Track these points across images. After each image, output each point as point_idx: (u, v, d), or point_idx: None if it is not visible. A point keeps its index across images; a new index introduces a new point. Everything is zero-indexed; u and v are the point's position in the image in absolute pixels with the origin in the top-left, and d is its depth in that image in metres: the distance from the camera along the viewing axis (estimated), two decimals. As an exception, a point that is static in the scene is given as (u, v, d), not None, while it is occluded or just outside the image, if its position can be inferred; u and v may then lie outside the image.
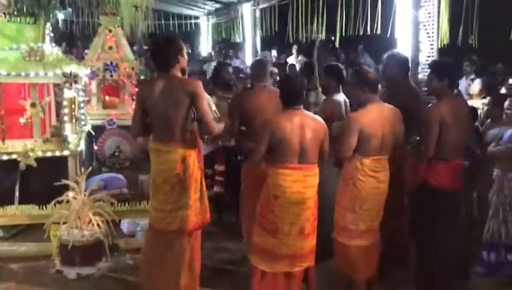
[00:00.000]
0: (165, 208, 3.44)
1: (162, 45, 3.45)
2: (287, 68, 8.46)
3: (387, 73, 4.22)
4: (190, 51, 14.39)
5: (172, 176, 3.38)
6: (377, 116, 3.60)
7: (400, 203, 4.09)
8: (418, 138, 3.77)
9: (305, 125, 3.44)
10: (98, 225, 4.09)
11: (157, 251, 3.51)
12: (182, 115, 3.33)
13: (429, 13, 4.90)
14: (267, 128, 3.49)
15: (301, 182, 3.44)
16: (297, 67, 8.50)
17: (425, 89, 4.38)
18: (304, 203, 3.45)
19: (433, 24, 4.86)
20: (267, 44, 11.45)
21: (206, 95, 3.76)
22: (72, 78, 4.65)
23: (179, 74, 3.45)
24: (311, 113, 3.62)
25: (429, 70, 3.82)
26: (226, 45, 15.25)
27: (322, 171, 3.59)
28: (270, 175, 3.52)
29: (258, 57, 5.33)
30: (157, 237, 3.51)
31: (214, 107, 3.77)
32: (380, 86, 3.86)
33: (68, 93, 4.69)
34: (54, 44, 5.26)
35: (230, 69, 5.45)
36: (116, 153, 5.97)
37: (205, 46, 14.39)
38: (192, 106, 3.36)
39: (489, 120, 4.44)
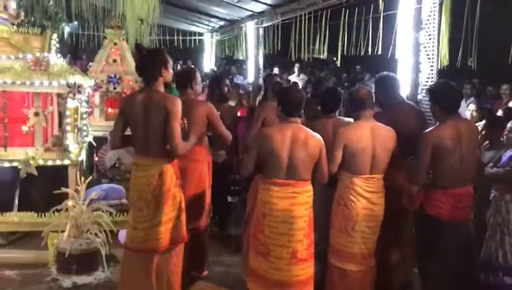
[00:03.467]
0: (139, 226, 3.35)
1: (146, 57, 3.39)
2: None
3: (378, 98, 3.90)
4: (193, 66, 14.54)
5: (148, 192, 3.31)
6: (366, 133, 3.50)
7: (402, 232, 3.90)
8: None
9: (298, 139, 3.28)
10: (95, 234, 4.11)
11: (133, 270, 3.40)
12: (161, 129, 3.27)
13: (429, 35, 4.96)
14: (256, 140, 3.40)
15: (289, 199, 3.26)
16: (300, 85, 8.58)
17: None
18: (293, 223, 3.26)
19: (433, 46, 4.91)
20: (269, 62, 11.55)
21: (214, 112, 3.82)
22: (75, 89, 4.70)
23: (162, 88, 3.40)
24: (307, 128, 3.42)
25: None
26: (229, 62, 15.39)
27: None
28: (259, 191, 3.37)
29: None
30: (133, 257, 3.41)
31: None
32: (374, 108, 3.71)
33: (71, 104, 4.74)
34: (59, 55, 5.34)
35: (227, 82, 5.38)
36: (117, 165, 5.99)
37: (208, 62, 14.52)
38: None
39: (487, 142, 4.46)
